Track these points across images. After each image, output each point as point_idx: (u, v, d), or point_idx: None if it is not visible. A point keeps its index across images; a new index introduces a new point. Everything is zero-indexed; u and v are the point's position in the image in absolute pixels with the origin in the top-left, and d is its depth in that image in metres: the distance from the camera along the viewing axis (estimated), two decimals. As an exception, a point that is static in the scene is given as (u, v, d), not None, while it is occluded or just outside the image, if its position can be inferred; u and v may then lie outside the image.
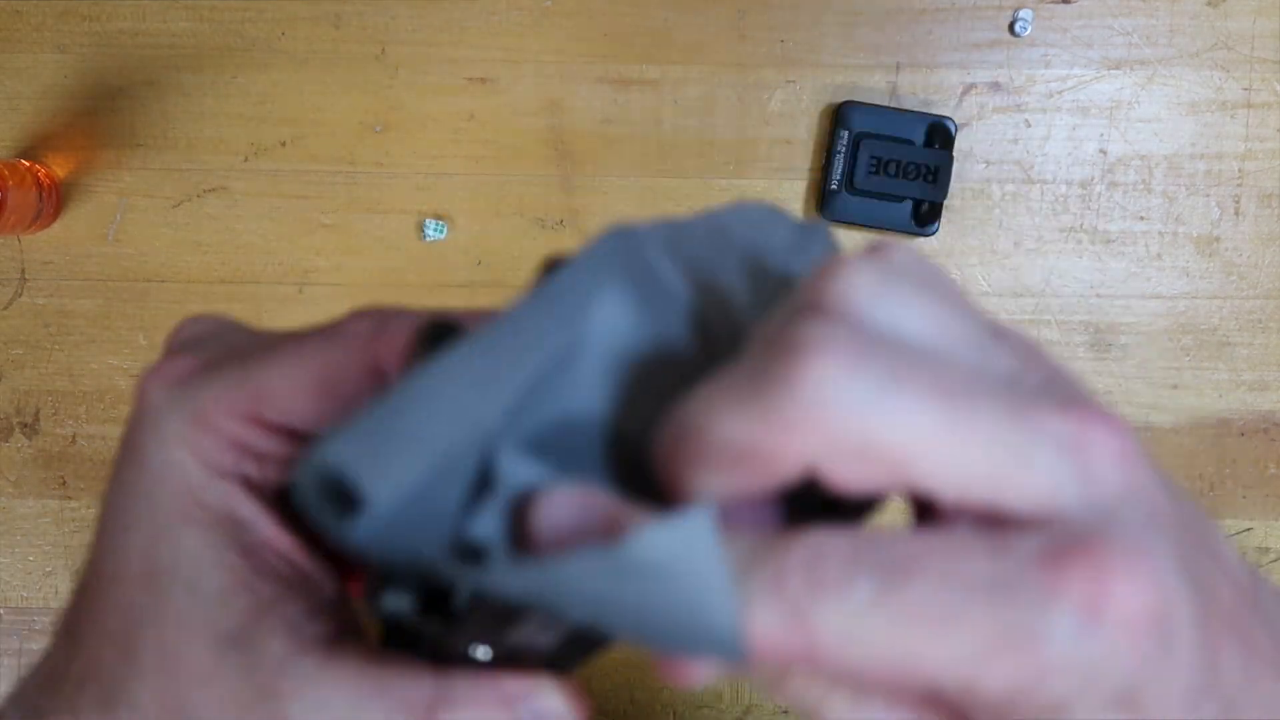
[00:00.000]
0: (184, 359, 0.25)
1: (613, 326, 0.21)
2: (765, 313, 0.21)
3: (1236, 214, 0.59)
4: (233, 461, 0.24)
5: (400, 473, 0.19)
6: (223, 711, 0.23)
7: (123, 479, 0.25)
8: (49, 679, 0.26)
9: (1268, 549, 0.61)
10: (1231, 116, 0.59)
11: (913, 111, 0.58)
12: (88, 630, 0.25)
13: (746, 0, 0.59)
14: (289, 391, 0.24)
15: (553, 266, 0.23)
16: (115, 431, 0.60)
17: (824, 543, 0.18)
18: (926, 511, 0.21)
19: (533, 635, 0.23)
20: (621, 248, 0.22)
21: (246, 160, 0.60)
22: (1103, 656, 0.18)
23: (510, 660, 0.24)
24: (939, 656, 0.18)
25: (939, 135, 0.57)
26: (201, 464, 0.24)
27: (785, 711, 0.62)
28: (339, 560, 0.25)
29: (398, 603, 0.21)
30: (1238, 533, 0.61)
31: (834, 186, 0.58)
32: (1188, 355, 0.60)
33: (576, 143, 0.59)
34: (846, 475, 0.18)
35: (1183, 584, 0.20)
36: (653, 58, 0.59)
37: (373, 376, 0.24)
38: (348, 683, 0.23)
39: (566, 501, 0.20)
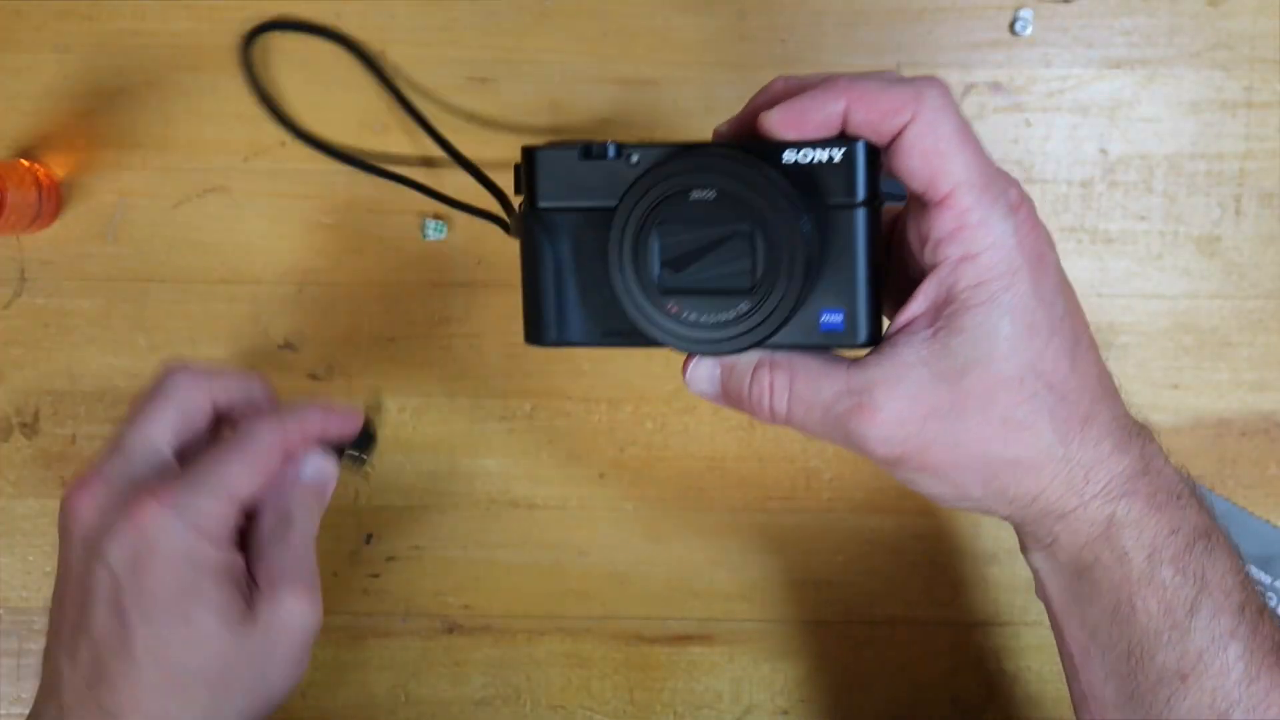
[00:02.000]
0: (150, 497, 0.41)
1: None
2: None
3: (1237, 214, 0.59)
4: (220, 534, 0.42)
5: None
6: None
7: (146, 582, 0.40)
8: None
9: (1268, 549, 0.61)
10: (1232, 116, 0.59)
11: (913, 111, 0.58)
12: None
13: (746, 0, 0.59)
14: (246, 489, 0.42)
15: (536, 153, 0.39)
16: (115, 431, 0.60)
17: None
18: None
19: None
20: None
21: (246, 160, 0.60)
22: (1012, 229, 0.35)
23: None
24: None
25: (939, 135, 0.57)
26: (208, 544, 0.41)
27: (785, 712, 0.62)
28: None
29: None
30: (1238, 533, 0.61)
31: (834, 186, 0.58)
32: (1188, 355, 0.60)
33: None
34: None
35: (1050, 245, 0.38)
36: (653, 58, 0.59)
37: (287, 459, 0.44)
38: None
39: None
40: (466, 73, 0.59)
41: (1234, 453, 0.60)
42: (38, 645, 0.61)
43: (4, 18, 0.59)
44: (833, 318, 0.37)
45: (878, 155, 0.36)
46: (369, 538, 0.61)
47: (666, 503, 0.61)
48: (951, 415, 0.36)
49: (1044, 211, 0.59)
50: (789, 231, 0.35)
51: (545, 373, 0.60)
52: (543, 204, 0.39)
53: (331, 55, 0.59)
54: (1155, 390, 0.60)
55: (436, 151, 0.59)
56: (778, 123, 0.35)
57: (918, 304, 0.36)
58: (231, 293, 0.60)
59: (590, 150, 0.38)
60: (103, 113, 0.59)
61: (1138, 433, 0.38)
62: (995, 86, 0.59)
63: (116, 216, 0.60)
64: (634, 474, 0.60)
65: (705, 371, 0.39)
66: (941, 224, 0.35)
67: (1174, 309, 0.60)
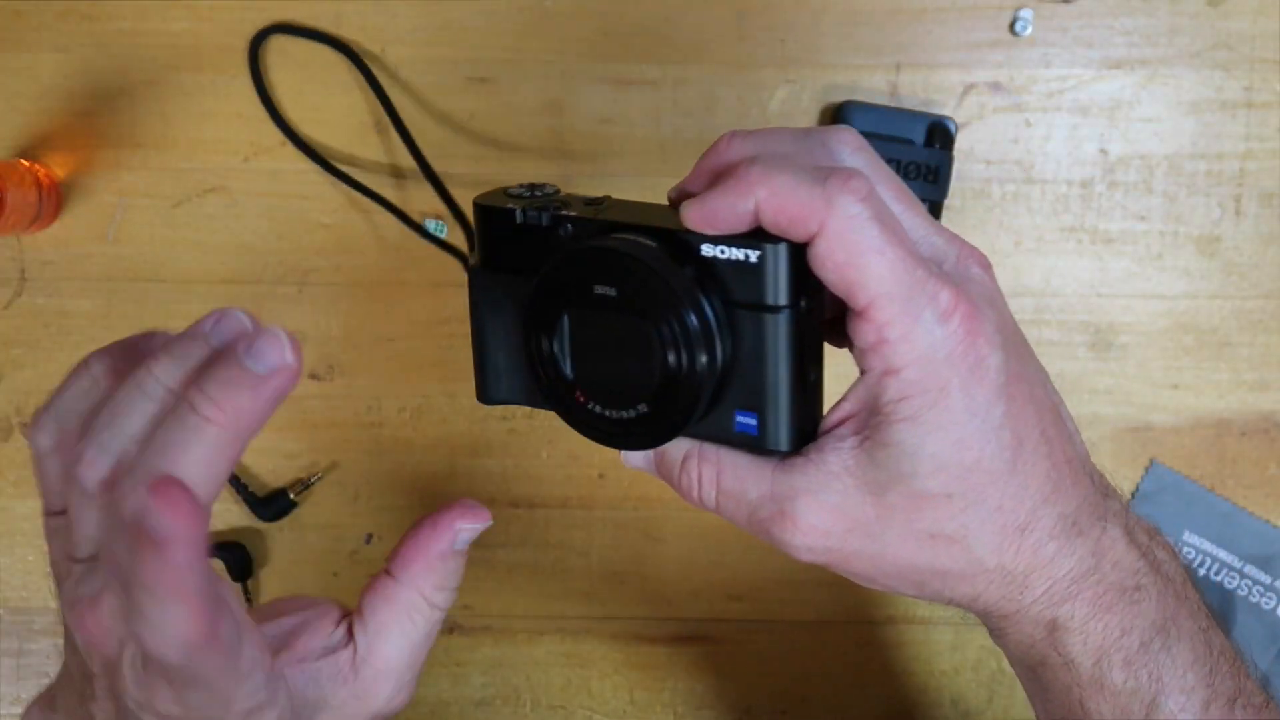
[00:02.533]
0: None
1: None
2: None
3: (1237, 214, 0.59)
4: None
5: None
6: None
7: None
8: None
9: (1268, 549, 0.61)
10: (1232, 116, 0.59)
11: (913, 111, 0.58)
12: None
13: (746, 0, 0.59)
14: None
15: (491, 210, 0.37)
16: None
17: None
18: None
19: None
20: None
21: (246, 160, 0.60)
22: (939, 341, 0.32)
23: None
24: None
25: (939, 135, 0.57)
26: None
27: (785, 712, 0.62)
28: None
29: None
30: (1238, 533, 0.61)
31: (834, 186, 0.58)
32: (1188, 355, 0.60)
33: (576, 143, 0.59)
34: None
35: (999, 342, 0.33)
36: (653, 58, 0.59)
37: None
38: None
39: None
40: (466, 73, 0.59)
41: (1234, 453, 0.60)
42: (38, 645, 0.61)
43: (4, 18, 0.59)
44: (747, 420, 0.35)
45: (801, 256, 0.33)
46: (369, 538, 0.61)
47: (666, 503, 0.60)
48: (875, 529, 0.34)
49: (1044, 211, 0.60)
50: (685, 337, 0.33)
51: (545, 373, 0.60)
52: (484, 265, 0.38)
53: (333, 56, 0.59)
54: (1155, 390, 0.60)
55: (436, 151, 0.59)
56: (691, 218, 0.33)
57: (846, 407, 0.34)
58: (231, 293, 0.60)
59: (526, 216, 0.36)
60: (103, 113, 0.59)
61: (1093, 523, 0.35)
62: (995, 86, 0.59)
63: (116, 216, 0.60)
64: (634, 474, 0.60)
65: (637, 454, 0.38)
66: (863, 335, 0.33)
67: (1174, 309, 0.60)
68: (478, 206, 0.38)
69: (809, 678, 0.61)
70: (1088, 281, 0.60)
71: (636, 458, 0.38)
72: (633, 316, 0.34)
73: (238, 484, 0.59)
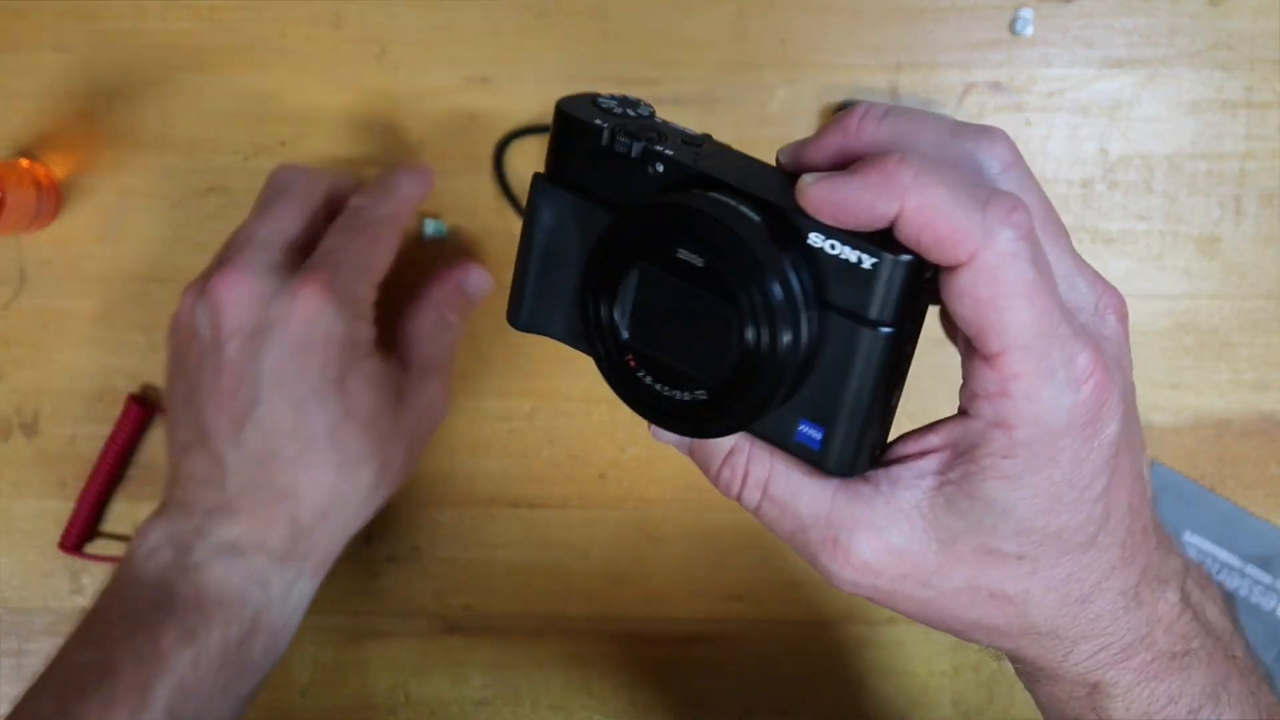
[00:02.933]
0: (311, 284, 0.46)
1: None
2: None
3: (1238, 214, 0.59)
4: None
5: None
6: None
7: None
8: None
9: (1269, 549, 0.60)
10: (1232, 116, 0.59)
11: (913, 111, 0.58)
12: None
13: (746, 0, 0.59)
14: (385, 270, 0.50)
15: (574, 121, 0.34)
16: (115, 431, 0.60)
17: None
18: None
19: None
20: None
21: (246, 160, 0.60)
22: (1065, 407, 0.29)
23: None
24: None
25: (939, 135, 0.57)
26: (365, 325, 0.48)
27: (785, 712, 0.62)
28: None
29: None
30: (1238, 533, 0.61)
31: (834, 186, 0.58)
32: (1188, 355, 0.60)
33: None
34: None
35: (1120, 410, 0.30)
36: (653, 58, 0.59)
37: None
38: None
39: None
40: (466, 73, 0.59)
41: (1234, 453, 0.60)
42: (38, 645, 0.61)
43: (4, 18, 0.59)
44: (810, 431, 0.31)
45: (922, 275, 0.29)
46: (369, 538, 0.61)
47: (666, 503, 0.60)
48: (933, 579, 0.32)
49: (1044, 211, 0.60)
50: (769, 311, 0.29)
51: (545, 373, 0.60)
52: (552, 178, 0.34)
53: (333, 54, 0.59)
54: (1155, 390, 0.60)
55: (437, 151, 0.59)
56: (814, 201, 0.29)
57: (934, 440, 0.31)
58: (231, 293, 0.60)
59: (615, 139, 0.32)
60: (103, 113, 0.59)
61: (1153, 591, 0.33)
62: (995, 86, 0.59)
63: (116, 216, 0.60)
64: (634, 474, 0.60)
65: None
66: (983, 380, 0.29)
67: (1174, 309, 0.60)
68: (560, 111, 0.34)
69: (809, 678, 0.61)
70: (1088, 281, 0.60)
71: (669, 436, 0.35)
72: (714, 294, 0.30)
73: (238, 484, 0.59)
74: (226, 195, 0.60)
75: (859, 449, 0.31)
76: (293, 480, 0.44)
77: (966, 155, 0.31)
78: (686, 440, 0.35)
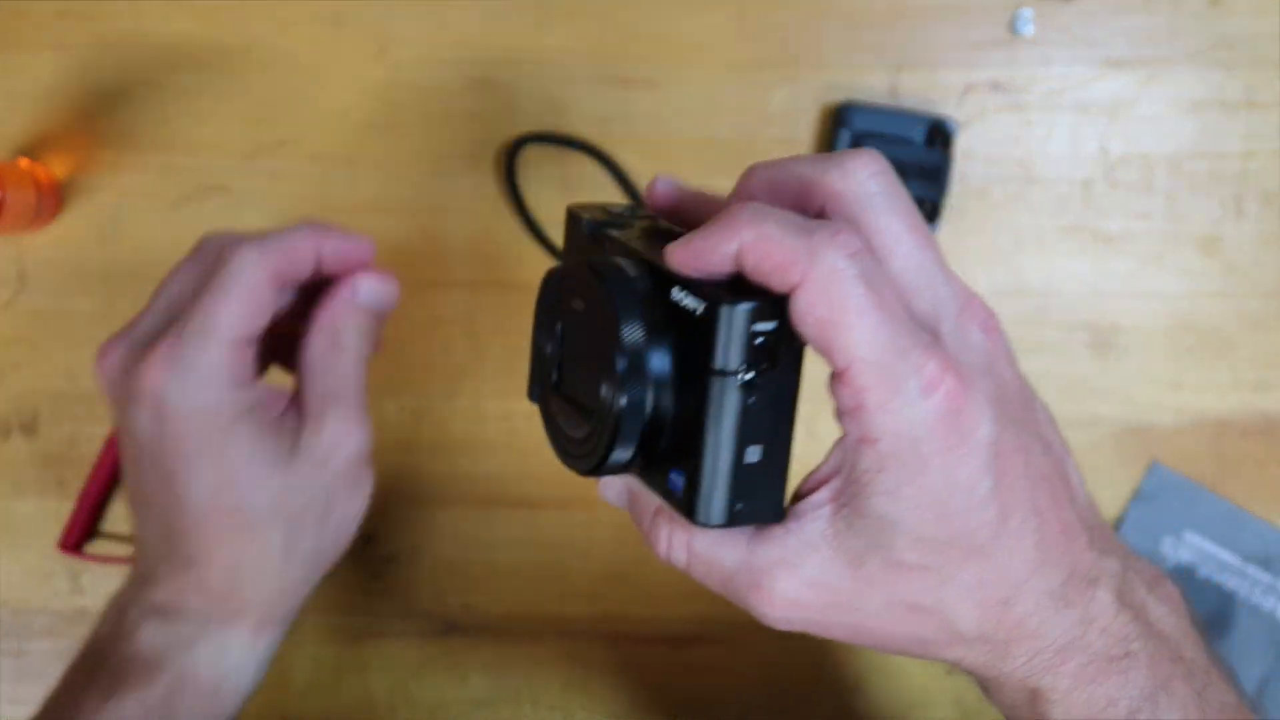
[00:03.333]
0: (150, 358, 0.41)
1: None
2: None
3: (1238, 213, 0.59)
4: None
5: None
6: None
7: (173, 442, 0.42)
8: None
9: (1269, 549, 0.60)
10: (1232, 116, 0.59)
11: (913, 111, 0.58)
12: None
13: (746, 0, 0.59)
14: (243, 328, 0.41)
15: (574, 216, 0.37)
16: (115, 431, 0.60)
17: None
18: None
19: None
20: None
21: (246, 160, 0.60)
22: (920, 416, 0.30)
23: None
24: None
25: (939, 135, 0.57)
26: (220, 390, 0.41)
27: (785, 712, 0.62)
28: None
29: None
30: (1239, 533, 0.61)
31: (834, 186, 0.58)
32: (1188, 355, 0.60)
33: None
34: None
35: (992, 414, 0.31)
36: (653, 58, 0.59)
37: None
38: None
39: None
40: (466, 73, 0.59)
41: (1234, 453, 0.60)
42: (37, 645, 0.61)
43: (4, 18, 0.59)
44: (677, 479, 0.33)
45: (766, 319, 0.31)
46: (369, 538, 0.61)
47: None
48: (853, 602, 0.33)
49: (1045, 211, 0.60)
50: (611, 373, 0.32)
51: (545, 373, 0.60)
52: (559, 268, 0.37)
53: (333, 54, 0.59)
54: (1155, 390, 0.60)
55: (436, 151, 0.59)
56: (672, 254, 0.31)
57: (825, 470, 0.33)
58: (231, 293, 0.60)
59: (587, 226, 0.36)
60: (103, 113, 0.59)
61: (1082, 591, 0.34)
62: (995, 86, 0.59)
63: (116, 216, 0.60)
64: (634, 474, 0.60)
65: (613, 486, 0.37)
66: (842, 398, 0.31)
67: (1174, 309, 0.60)
68: (568, 212, 0.38)
69: (809, 678, 0.61)
70: (1088, 281, 0.60)
71: (610, 491, 0.37)
72: (594, 336, 0.33)
73: (238, 484, 0.59)
74: (226, 195, 0.60)
75: (716, 497, 0.32)
76: (191, 549, 0.42)
77: (838, 171, 0.33)
78: (624, 500, 0.37)
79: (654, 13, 0.59)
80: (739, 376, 0.31)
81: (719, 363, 0.30)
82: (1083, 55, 0.59)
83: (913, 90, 0.59)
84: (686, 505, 0.33)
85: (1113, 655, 0.34)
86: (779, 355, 0.31)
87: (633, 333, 0.32)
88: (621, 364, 0.31)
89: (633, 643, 0.62)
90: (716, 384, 0.31)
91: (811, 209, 0.33)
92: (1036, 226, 0.59)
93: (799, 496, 0.34)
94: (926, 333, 0.31)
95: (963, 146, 0.59)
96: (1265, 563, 0.59)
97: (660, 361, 0.32)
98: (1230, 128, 0.59)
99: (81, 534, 0.60)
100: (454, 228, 0.60)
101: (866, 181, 0.32)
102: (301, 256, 0.43)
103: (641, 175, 0.59)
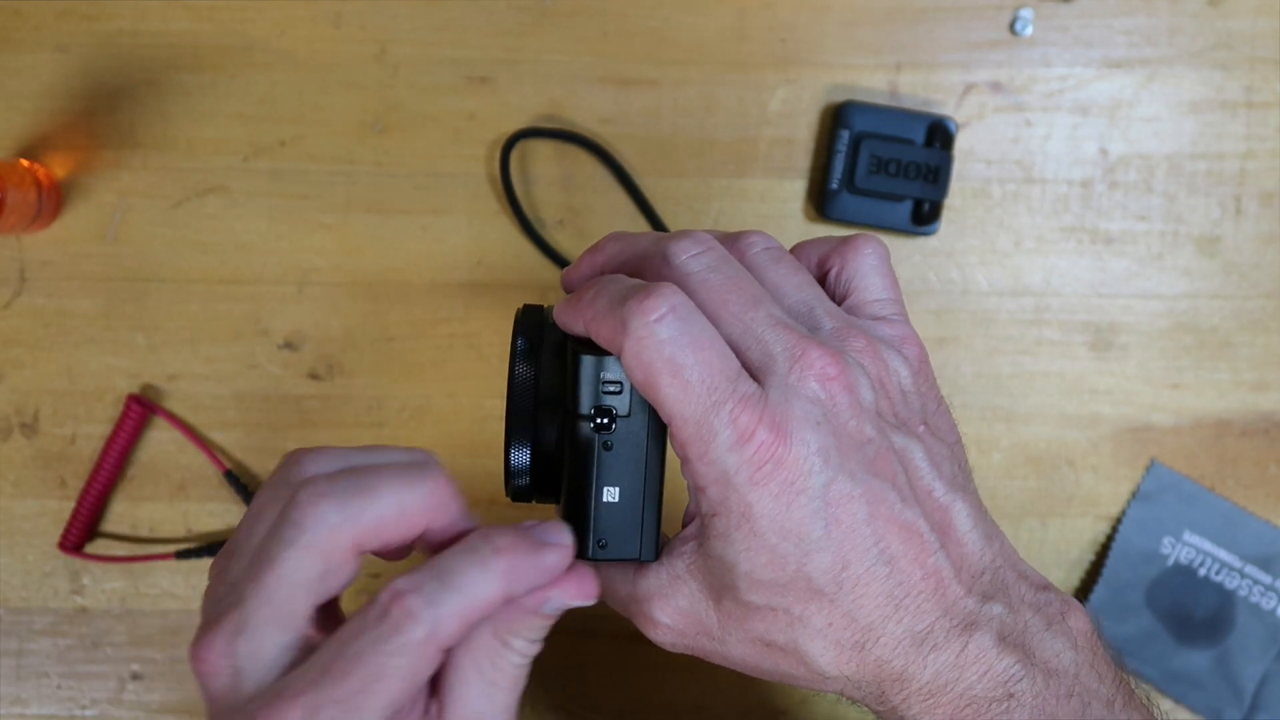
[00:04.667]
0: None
1: None
2: None
3: (1238, 214, 0.59)
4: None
5: None
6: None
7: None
8: None
9: (1269, 549, 0.60)
10: (1232, 116, 0.59)
11: (913, 111, 0.58)
12: None
13: (746, 0, 0.59)
14: (401, 697, 0.30)
15: (525, 315, 0.38)
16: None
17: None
18: None
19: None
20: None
21: (246, 160, 0.60)
22: (735, 466, 0.32)
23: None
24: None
25: (939, 135, 0.57)
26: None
27: (784, 711, 0.62)
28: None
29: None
30: (1238, 533, 0.61)
31: (834, 186, 0.58)
32: (1188, 355, 0.60)
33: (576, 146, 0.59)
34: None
35: (819, 464, 0.32)
36: (653, 58, 0.59)
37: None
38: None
39: None
40: (466, 73, 0.59)
41: (1234, 453, 0.60)
42: (38, 645, 0.61)
43: (4, 18, 0.59)
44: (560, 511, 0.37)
45: (617, 370, 0.35)
46: (369, 538, 0.61)
47: (666, 503, 0.60)
48: (717, 633, 0.35)
49: (1044, 211, 0.60)
50: (509, 406, 0.36)
51: (545, 373, 0.60)
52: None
53: (333, 54, 0.59)
54: (1155, 390, 0.60)
55: (436, 151, 0.59)
56: (555, 313, 0.36)
57: (690, 510, 0.36)
58: (231, 293, 0.60)
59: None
60: (103, 113, 0.59)
61: (954, 636, 0.34)
62: (995, 86, 0.59)
63: (116, 216, 0.60)
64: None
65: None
66: (674, 448, 0.34)
67: (1174, 309, 0.60)
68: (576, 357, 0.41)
69: (809, 678, 0.61)
70: (1088, 281, 0.60)
71: None
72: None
73: (238, 485, 0.59)
74: (226, 195, 0.60)
75: (580, 532, 0.35)
76: None
77: (657, 257, 0.35)
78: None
79: (654, 13, 0.59)
80: (591, 421, 0.35)
81: (571, 404, 0.35)
82: (1082, 56, 0.59)
83: (913, 90, 0.59)
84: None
85: (993, 697, 0.34)
86: (634, 405, 0.34)
87: (522, 373, 0.36)
88: (510, 401, 0.36)
89: (632, 642, 0.62)
90: (572, 426, 0.35)
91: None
92: (1036, 227, 0.60)
93: (684, 524, 0.37)
94: (751, 383, 0.33)
95: (963, 146, 0.59)
96: (1265, 563, 0.59)
97: (547, 397, 0.36)
98: (1230, 128, 0.59)
99: (81, 534, 0.60)
100: (454, 228, 0.60)
101: (688, 262, 0.35)
102: (399, 529, 0.32)
103: (642, 175, 0.59)
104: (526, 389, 0.36)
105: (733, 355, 0.33)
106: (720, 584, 0.34)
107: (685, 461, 0.33)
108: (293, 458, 0.33)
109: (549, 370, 0.36)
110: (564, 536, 0.33)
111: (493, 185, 0.59)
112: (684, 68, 0.59)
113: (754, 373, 0.33)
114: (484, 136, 0.59)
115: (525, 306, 0.38)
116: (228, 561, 0.32)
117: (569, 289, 0.39)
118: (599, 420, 0.35)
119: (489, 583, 0.31)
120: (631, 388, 0.34)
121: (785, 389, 0.33)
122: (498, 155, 0.59)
